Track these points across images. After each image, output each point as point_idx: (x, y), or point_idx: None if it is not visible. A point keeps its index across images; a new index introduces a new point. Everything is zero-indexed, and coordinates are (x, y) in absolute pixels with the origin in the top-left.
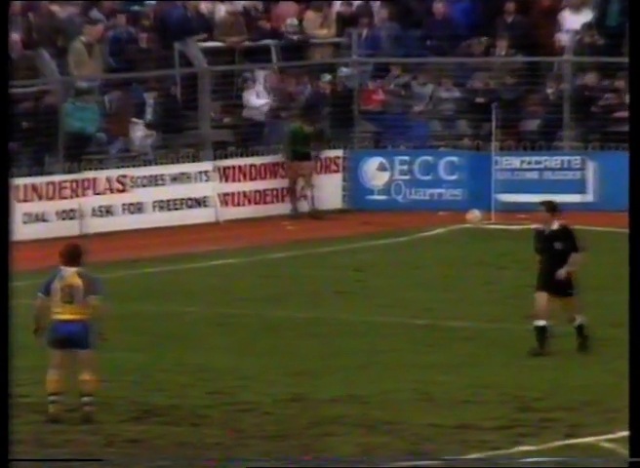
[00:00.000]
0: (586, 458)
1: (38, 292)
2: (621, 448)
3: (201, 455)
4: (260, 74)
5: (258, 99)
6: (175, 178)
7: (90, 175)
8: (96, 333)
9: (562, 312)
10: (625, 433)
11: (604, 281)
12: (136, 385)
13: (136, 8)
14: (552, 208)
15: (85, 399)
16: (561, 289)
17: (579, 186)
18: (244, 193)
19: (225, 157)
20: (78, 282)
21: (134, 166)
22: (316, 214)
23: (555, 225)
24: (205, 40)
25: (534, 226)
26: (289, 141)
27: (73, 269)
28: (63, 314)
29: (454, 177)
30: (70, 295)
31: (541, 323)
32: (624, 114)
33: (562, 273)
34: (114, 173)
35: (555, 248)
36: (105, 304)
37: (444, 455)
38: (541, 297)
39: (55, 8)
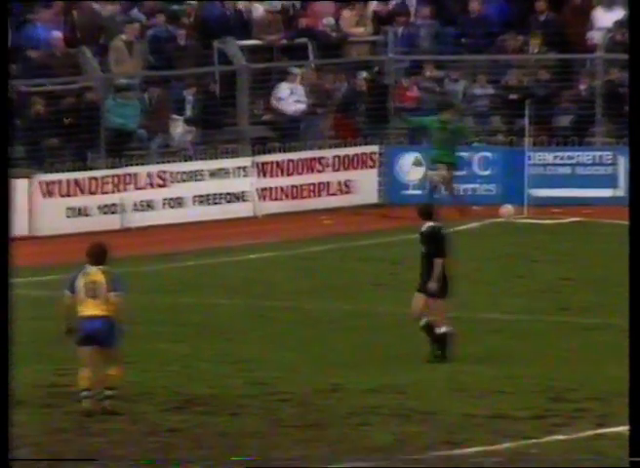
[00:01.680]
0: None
1: (64, 289)
2: None
3: (241, 444)
4: (297, 71)
5: (289, 97)
6: (214, 174)
7: (131, 170)
8: (119, 329)
9: (434, 311)
10: None
11: None
12: (176, 375)
13: (175, 7)
14: (422, 211)
15: (107, 392)
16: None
17: (610, 181)
18: (282, 188)
19: (263, 153)
20: (101, 278)
21: (174, 161)
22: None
23: (423, 228)
24: (243, 38)
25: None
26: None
27: (97, 267)
28: (87, 310)
29: (487, 173)
30: (93, 291)
31: (422, 322)
32: None
33: (432, 287)
34: (155, 168)
35: (422, 250)
36: (126, 301)
37: (478, 445)
38: (417, 298)
39: (97, 6)
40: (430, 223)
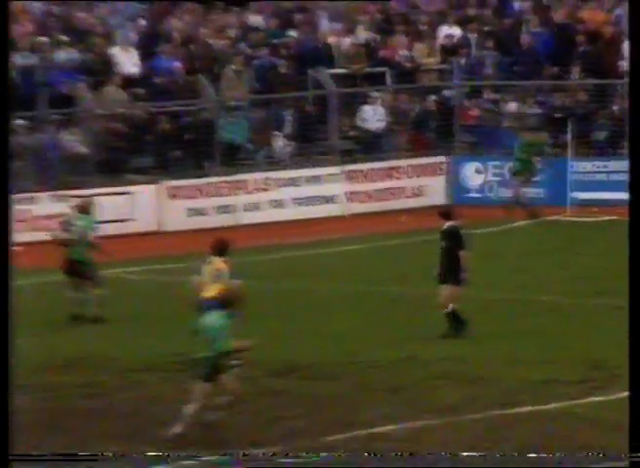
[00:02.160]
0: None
1: (195, 275)
2: None
3: (334, 404)
4: (377, 95)
5: (371, 116)
6: (309, 180)
7: (241, 177)
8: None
9: (444, 299)
10: None
11: None
12: (281, 347)
13: (276, 41)
14: (442, 213)
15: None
16: (446, 280)
17: None
18: (366, 192)
19: (350, 163)
20: (224, 267)
21: (276, 170)
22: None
23: (444, 227)
24: (333, 67)
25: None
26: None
27: (220, 258)
28: (210, 292)
29: (536, 179)
30: (217, 277)
31: (447, 311)
32: None
33: (464, 276)
34: (260, 175)
35: (441, 246)
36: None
37: (531, 405)
38: (442, 290)
39: (210, 41)
40: (450, 223)
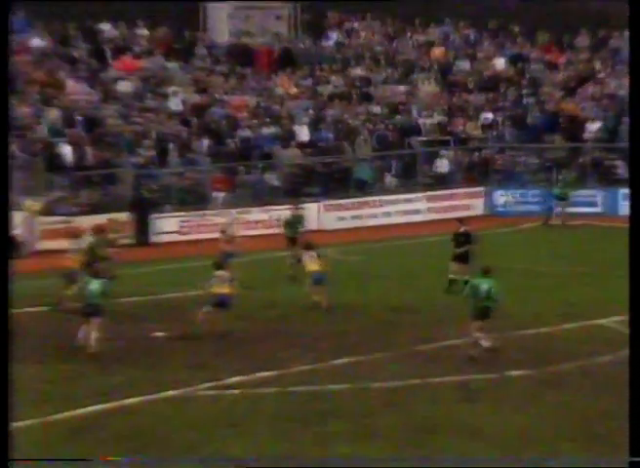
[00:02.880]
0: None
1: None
2: None
3: (419, 328)
4: (445, 153)
5: (441, 165)
6: (405, 201)
7: (366, 199)
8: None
9: (461, 272)
10: None
11: None
12: (386, 294)
13: (387, 121)
14: (459, 219)
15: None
16: (460, 260)
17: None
18: (437, 207)
19: (430, 191)
20: (314, 254)
21: (386, 195)
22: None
23: (461, 229)
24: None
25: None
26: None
27: (309, 251)
28: (313, 267)
29: (535, 200)
30: (311, 259)
31: (451, 277)
32: None
33: (467, 259)
34: (377, 198)
35: (457, 240)
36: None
37: (534, 328)
38: (452, 265)
39: (349, 121)
40: (464, 228)
